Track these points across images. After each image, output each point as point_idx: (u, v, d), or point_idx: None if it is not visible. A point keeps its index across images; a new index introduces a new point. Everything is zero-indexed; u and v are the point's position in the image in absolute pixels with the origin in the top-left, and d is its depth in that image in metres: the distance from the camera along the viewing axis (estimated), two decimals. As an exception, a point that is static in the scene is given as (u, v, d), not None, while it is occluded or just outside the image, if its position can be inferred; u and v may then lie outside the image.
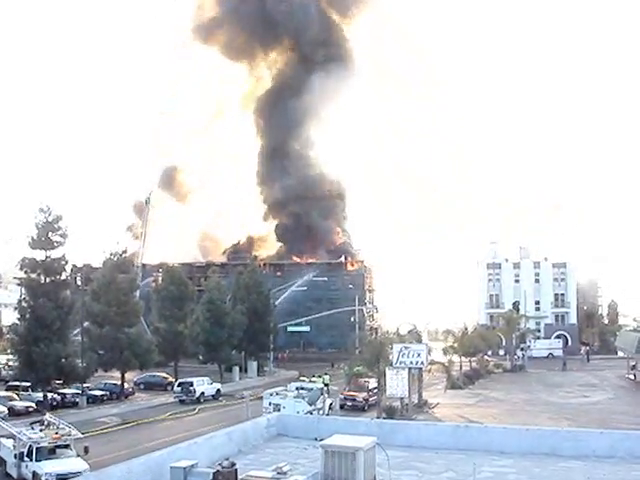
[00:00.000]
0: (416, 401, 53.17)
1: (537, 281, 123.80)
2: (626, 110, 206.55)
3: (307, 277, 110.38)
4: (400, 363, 47.83)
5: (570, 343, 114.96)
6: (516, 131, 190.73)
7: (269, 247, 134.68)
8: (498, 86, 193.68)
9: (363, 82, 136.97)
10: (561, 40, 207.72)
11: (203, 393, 62.48)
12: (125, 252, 67.96)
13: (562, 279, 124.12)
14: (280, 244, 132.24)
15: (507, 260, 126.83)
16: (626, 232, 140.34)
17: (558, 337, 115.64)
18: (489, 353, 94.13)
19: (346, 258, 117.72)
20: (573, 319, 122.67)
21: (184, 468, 19.46)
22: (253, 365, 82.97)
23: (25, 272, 56.22)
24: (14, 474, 32.96)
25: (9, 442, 34.75)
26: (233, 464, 19.02)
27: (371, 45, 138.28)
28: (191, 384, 62.36)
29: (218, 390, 64.96)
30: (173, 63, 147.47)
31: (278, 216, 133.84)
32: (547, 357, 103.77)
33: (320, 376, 62.08)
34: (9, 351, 64.23)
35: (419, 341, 57.60)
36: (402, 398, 49.06)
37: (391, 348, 49.63)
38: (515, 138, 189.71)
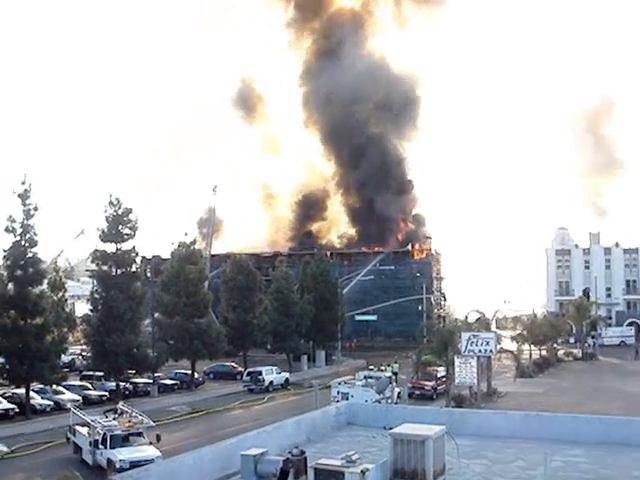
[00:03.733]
0: (485, 390, 52.80)
1: (608, 267, 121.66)
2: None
3: (372, 265, 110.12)
4: (469, 351, 47.50)
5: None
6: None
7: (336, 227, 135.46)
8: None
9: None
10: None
11: (272, 382, 62.92)
12: (194, 243, 68.72)
13: (634, 265, 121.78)
14: (351, 232, 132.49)
15: (577, 246, 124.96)
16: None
17: (630, 324, 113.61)
18: (559, 341, 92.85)
19: (413, 246, 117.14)
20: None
21: (254, 456, 19.61)
22: (321, 354, 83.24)
23: (97, 264, 57.27)
24: (89, 461, 33.75)
25: (84, 430, 35.61)
26: (303, 452, 19.12)
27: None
28: (260, 373, 62.84)
29: (287, 379, 65.42)
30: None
31: (350, 200, 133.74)
32: (619, 345, 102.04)
33: (389, 365, 62.01)
34: (83, 342, 65.69)
35: (488, 329, 57.11)
36: (471, 387, 48.80)
37: (459, 336, 49.35)
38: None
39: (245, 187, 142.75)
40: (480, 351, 47.86)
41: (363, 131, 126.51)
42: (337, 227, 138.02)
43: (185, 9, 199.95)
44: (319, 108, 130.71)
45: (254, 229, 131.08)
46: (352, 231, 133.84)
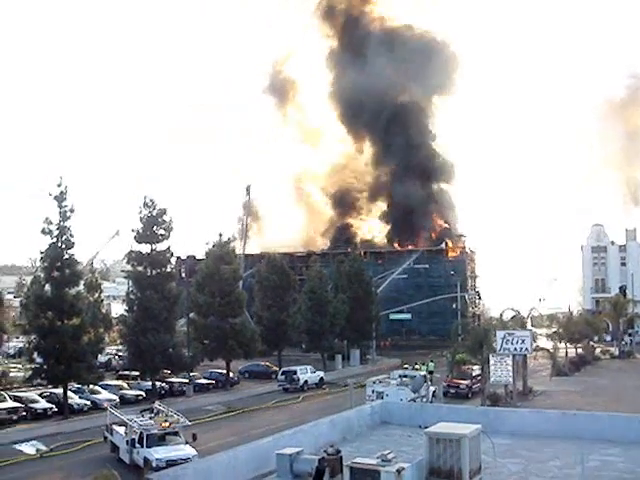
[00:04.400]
0: (521, 388, 52.47)
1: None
2: None
3: (407, 264, 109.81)
4: (504, 350, 47.28)
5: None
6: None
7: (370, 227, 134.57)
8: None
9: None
10: None
11: (306, 381, 63.01)
12: (228, 243, 68.98)
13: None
14: (383, 230, 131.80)
15: (613, 243, 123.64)
16: None
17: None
18: (595, 339, 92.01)
19: (447, 245, 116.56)
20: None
21: (290, 455, 19.68)
22: (356, 353, 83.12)
23: (132, 265, 57.73)
24: (126, 460, 34.07)
25: (121, 429, 35.99)
26: (338, 451, 19.13)
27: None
28: (295, 372, 62.96)
29: (321, 378, 65.46)
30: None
31: (380, 191, 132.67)
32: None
33: (423, 363, 61.81)
34: (119, 342, 66.28)
35: (523, 327, 56.74)
36: (506, 385, 48.53)
37: (495, 335, 49.09)
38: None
39: (279, 181, 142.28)
40: (515, 349, 47.62)
41: (390, 119, 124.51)
42: (370, 220, 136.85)
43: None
44: (347, 93, 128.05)
45: (288, 224, 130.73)
46: (382, 225, 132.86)
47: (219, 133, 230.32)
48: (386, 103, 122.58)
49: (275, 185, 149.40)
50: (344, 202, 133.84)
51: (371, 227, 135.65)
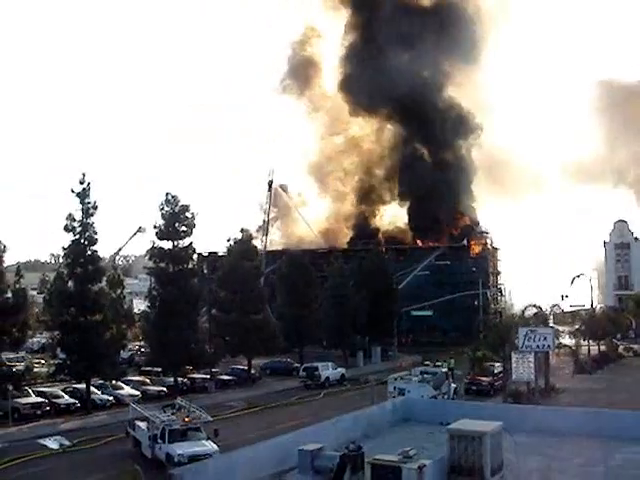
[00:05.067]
0: (543, 386, 52.22)
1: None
2: None
3: (428, 261, 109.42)
4: (526, 347, 47.02)
5: None
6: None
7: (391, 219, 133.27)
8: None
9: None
10: None
11: (328, 378, 63.00)
12: (250, 239, 69.07)
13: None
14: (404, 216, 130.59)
15: (637, 239, 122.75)
16: None
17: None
18: (618, 336, 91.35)
19: (469, 241, 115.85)
20: None
21: (311, 451, 19.73)
22: (377, 350, 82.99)
23: (154, 262, 57.95)
24: (148, 454, 34.28)
25: (143, 425, 36.17)
26: (360, 447, 19.16)
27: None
28: (316, 369, 62.98)
29: (343, 375, 65.40)
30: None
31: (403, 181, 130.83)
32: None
33: (445, 360, 61.68)
34: (141, 338, 66.64)
35: (545, 324, 56.46)
36: (528, 383, 48.33)
37: (516, 332, 48.89)
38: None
39: (300, 172, 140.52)
40: (538, 346, 47.34)
41: (410, 98, 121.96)
42: (392, 207, 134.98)
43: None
44: (363, 74, 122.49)
45: (312, 215, 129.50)
46: (404, 211, 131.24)
47: (219, 133, 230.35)
48: (405, 81, 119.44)
49: (296, 176, 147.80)
50: (366, 189, 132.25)
51: (393, 215, 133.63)
